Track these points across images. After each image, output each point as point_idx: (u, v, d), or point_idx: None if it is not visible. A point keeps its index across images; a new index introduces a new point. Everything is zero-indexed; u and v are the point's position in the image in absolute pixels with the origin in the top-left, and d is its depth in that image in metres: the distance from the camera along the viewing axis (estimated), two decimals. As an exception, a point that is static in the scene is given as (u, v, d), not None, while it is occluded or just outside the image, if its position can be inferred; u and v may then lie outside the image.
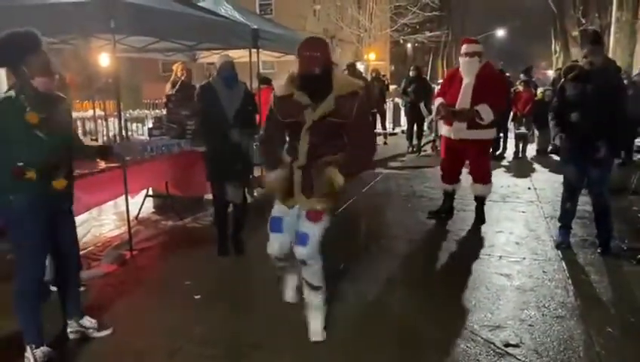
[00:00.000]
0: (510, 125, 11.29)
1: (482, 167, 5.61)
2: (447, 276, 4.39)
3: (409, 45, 38.29)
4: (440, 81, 18.76)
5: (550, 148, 9.12)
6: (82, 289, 3.92)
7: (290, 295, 3.59)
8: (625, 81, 6.44)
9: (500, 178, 8.14)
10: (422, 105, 11.02)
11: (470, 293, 3.94)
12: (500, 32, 39.19)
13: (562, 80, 4.84)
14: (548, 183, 7.76)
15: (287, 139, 3.24)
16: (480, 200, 5.75)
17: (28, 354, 2.96)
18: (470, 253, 4.83)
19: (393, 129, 15.33)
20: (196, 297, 3.91)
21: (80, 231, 3.88)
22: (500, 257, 4.71)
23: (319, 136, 3.04)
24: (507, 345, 3.18)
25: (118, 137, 4.91)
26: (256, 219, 4.50)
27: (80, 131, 8.00)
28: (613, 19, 17.19)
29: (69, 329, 3.31)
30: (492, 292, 3.94)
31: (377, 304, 3.79)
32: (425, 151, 11.40)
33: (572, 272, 4.29)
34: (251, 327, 3.41)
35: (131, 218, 5.12)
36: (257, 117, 5.06)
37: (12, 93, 2.80)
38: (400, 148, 11.68)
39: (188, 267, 4.55)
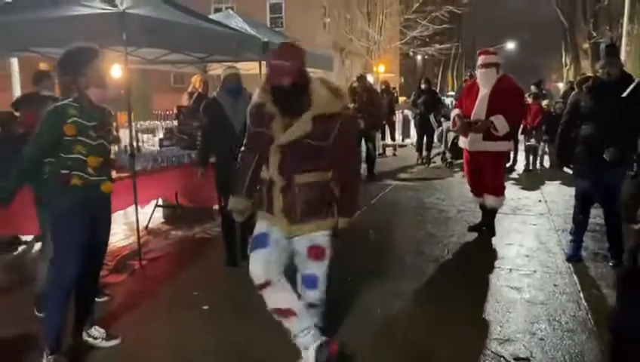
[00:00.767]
0: (520, 137, 11.24)
1: (496, 179, 5.51)
2: (457, 289, 4.35)
3: (419, 57, 38.41)
4: (450, 93, 18.80)
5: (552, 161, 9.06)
6: (105, 299, 3.98)
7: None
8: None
9: (511, 190, 8.07)
10: (431, 116, 11.06)
11: (480, 306, 3.90)
12: (511, 45, 39.23)
13: (574, 92, 4.83)
14: (559, 196, 7.70)
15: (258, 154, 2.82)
16: (491, 213, 5.69)
17: (44, 359, 3.00)
18: (480, 266, 4.79)
19: (402, 140, 15.33)
20: (204, 308, 3.91)
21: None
22: (510, 270, 4.67)
23: (292, 155, 2.63)
24: (517, 358, 3.14)
25: (129, 148, 4.95)
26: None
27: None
28: (624, 32, 17.13)
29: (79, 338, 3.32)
30: (502, 305, 3.90)
31: (386, 317, 3.76)
32: (434, 162, 11.38)
33: (583, 286, 4.24)
34: (259, 340, 3.39)
35: (141, 228, 5.15)
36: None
37: (65, 102, 3.00)
38: (409, 159, 11.67)
39: (196, 277, 4.55)
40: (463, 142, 5.56)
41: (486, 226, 5.74)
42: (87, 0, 4.74)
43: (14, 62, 10.77)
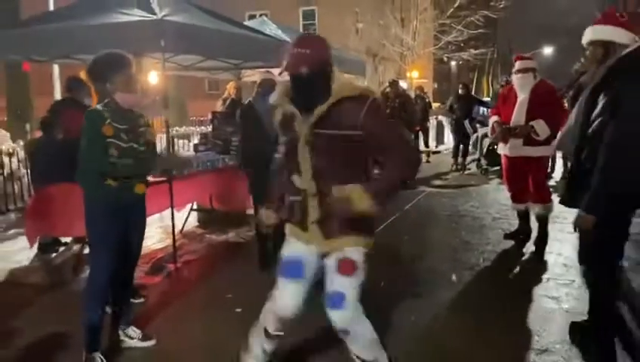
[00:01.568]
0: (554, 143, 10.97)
1: (540, 185, 5.35)
2: (493, 297, 4.26)
3: (453, 63, 38.02)
4: (485, 98, 18.52)
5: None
6: (141, 300, 4.06)
7: None
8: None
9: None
10: (466, 122, 10.88)
11: (517, 315, 3.82)
12: (548, 50, 38.45)
13: None
14: (599, 204, 7.46)
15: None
16: (541, 221, 5.38)
17: (84, 357, 3.08)
18: (517, 275, 4.70)
19: (436, 147, 15.16)
20: (237, 310, 3.94)
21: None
22: (548, 279, 4.55)
23: (323, 155, 2.36)
24: (555, 370, 3.06)
25: (165, 153, 5.05)
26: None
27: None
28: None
29: (116, 337, 3.40)
30: (540, 315, 3.81)
31: (421, 325, 3.71)
32: (469, 169, 11.22)
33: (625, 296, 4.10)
34: (291, 343, 3.39)
35: (176, 231, 5.23)
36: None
37: (99, 105, 3.11)
38: (443, 166, 11.53)
39: (230, 280, 4.60)
40: (502, 148, 5.47)
41: (522, 234, 5.61)
42: (126, 8, 4.87)
43: (55, 68, 11.16)
